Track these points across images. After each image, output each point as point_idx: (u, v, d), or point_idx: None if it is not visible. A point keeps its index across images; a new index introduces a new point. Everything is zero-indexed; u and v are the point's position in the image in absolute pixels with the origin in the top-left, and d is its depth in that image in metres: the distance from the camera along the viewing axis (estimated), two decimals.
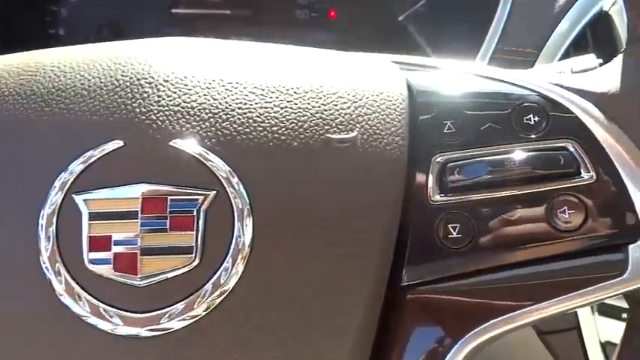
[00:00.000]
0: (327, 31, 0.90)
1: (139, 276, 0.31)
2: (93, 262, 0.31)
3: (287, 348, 0.32)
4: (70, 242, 0.32)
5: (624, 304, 0.52)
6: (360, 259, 0.33)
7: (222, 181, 0.32)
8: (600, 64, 0.41)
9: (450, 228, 0.34)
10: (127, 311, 0.31)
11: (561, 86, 0.36)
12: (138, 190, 0.31)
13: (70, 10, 0.88)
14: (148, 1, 0.89)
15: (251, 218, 0.32)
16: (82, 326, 0.31)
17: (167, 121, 0.32)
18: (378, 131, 0.34)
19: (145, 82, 0.33)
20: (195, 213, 0.31)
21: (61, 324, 0.31)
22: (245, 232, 0.32)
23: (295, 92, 0.34)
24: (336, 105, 0.34)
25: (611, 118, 0.35)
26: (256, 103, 0.33)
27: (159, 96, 0.33)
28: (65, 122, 0.33)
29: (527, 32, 0.72)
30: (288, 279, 0.32)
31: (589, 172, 0.35)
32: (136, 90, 0.33)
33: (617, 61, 0.36)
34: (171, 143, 0.32)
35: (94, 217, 0.32)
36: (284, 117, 0.33)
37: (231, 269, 0.31)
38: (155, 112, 0.33)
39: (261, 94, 0.34)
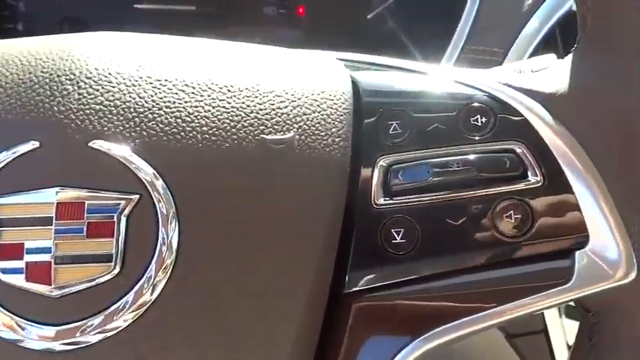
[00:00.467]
0: (296, 28, 0.89)
1: (53, 286, 0.29)
2: (4, 271, 0.29)
3: None
4: None
5: None
6: (297, 265, 0.31)
7: (146, 184, 0.30)
8: None
9: (394, 233, 0.33)
10: (41, 324, 0.29)
11: (510, 86, 0.35)
12: (52, 195, 0.29)
13: (29, 4, 0.86)
14: None
15: (177, 223, 0.30)
16: None
17: (87, 121, 0.30)
18: (317, 132, 0.33)
19: (66, 79, 0.31)
20: (115, 218, 0.30)
21: None
22: (170, 238, 0.30)
23: (229, 90, 0.32)
24: (272, 104, 0.32)
25: (559, 118, 0.34)
26: (186, 102, 0.31)
27: (80, 93, 0.31)
28: None
29: (494, 31, 0.71)
30: (218, 287, 0.30)
31: (536, 175, 0.33)
32: (56, 87, 0.31)
33: (568, 59, 0.35)
34: (91, 144, 0.30)
35: (5, 223, 0.29)
36: (215, 117, 0.31)
37: (155, 278, 0.29)
38: (75, 110, 0.30)
39: (192, 93, 0.32)
